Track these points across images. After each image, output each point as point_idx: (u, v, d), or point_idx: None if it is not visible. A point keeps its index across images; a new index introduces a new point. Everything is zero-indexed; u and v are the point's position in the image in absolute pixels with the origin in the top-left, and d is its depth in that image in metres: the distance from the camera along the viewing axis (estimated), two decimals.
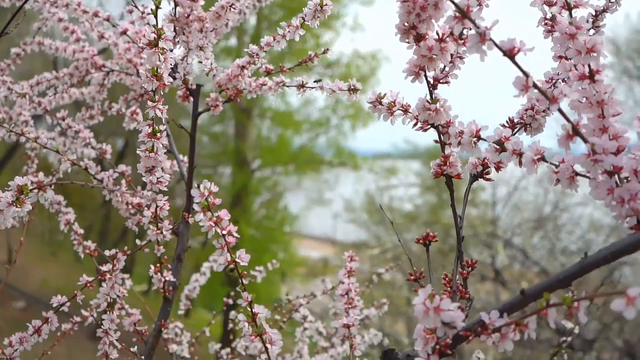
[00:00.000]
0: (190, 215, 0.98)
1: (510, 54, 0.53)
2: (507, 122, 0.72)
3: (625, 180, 0.54)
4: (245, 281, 0.69)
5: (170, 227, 0.94)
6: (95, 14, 1.13)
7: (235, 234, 0.66)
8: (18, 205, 0.71)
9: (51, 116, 1.19)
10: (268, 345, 0.67)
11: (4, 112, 1.31)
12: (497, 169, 0.70)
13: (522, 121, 0.72)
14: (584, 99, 0.56)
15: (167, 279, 1.00)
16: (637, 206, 0.52)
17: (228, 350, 1.55)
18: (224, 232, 0.65)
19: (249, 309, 0.68)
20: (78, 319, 1.17)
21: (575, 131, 0.53)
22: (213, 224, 0.65)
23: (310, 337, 1.41)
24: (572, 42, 0.55)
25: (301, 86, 0.98)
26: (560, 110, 0.53)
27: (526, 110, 0.72)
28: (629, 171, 0.54)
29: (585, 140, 0.53)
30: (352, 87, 0.88)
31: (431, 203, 10.79)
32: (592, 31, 0.74)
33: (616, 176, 0.55)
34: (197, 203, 0.64)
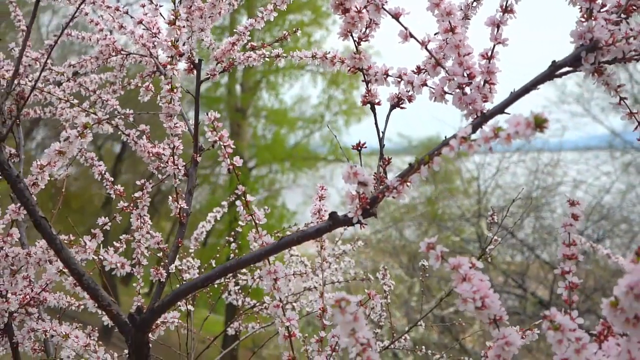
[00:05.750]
0: (198, 156, 1.30)
1: (396, 16, 0.86)
2: (415, 68, 1.05)
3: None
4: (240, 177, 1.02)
5: (184, 163, 1.27)
6: (117, 9, 1.46)
7: (232, 146, 0.98)
8: (82, 137, 1.03)
9: (85, 90, 1.51)
10: (256, 220, 1.00)
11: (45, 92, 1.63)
12: (409, 100, 1.03)
13: (425, 68, 1.04)
14: (446, 44, 0.89)
15: (182, 206, 1.33)
16: (476, 107, 0.85)
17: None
18: (225, 144, 0.98)
19: (244, 198, 1.01)
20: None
21: (437, 63, 0.86)
22: (217, 139, 0.98)
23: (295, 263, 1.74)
24: (437, 9, 0.88)
25: (277, 56, 1.31)
26: (427, 50, 0.86)
27: (428, 59, 1.04)
28: (474, 88, 0.87)
29: (443, 68, 0.86)
30: (314, 54, 1.21)
31: (427, 195, 11.15)
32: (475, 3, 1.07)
33: (468, 90, 0.88)
34: (206, 125, 0.97)
